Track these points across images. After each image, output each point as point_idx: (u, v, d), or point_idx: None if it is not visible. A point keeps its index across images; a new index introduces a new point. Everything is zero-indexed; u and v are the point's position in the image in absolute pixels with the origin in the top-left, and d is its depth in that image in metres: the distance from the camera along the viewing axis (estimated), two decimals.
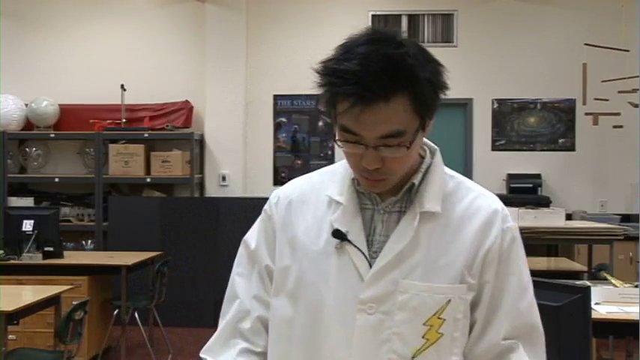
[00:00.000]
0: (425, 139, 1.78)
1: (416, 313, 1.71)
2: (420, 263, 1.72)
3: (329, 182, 1.85)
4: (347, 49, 1.63)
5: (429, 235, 1.73)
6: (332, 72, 1.61)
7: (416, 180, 1.76)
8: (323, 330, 1.75)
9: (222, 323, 1.91)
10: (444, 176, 1.82)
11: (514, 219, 6.14)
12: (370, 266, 1.73)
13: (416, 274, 1.72)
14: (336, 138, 1.70)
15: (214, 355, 1.88)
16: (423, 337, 1.71)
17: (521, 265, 1.81)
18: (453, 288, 1.72)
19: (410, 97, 1.59)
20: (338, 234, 1.74)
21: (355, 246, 1.73)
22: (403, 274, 1.71)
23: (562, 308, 2.78)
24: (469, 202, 1.80)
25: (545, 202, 8.97)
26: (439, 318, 1.71)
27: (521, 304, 1.78)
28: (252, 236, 1.93)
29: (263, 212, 1.93)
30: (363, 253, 1.73)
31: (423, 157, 1.79)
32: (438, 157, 1.82)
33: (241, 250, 1.95)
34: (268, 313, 1.86)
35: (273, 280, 1.85)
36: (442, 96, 1.69)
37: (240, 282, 1.92)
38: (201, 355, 1.90)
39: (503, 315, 1.75)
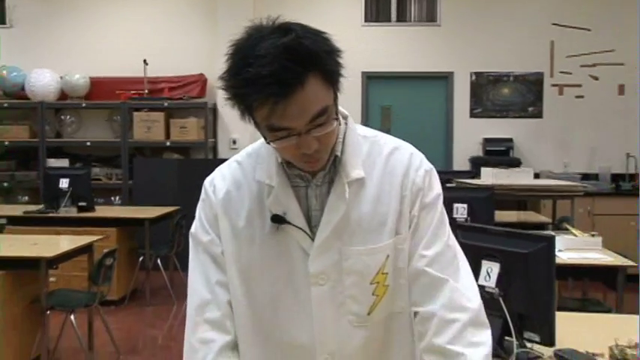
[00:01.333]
0: None
1: (362, 275, 1.65)
2: (357, 229, 1.64)
3: (257, 166, 1.70)
4: (244, 55, 1.46)
5: (358, 202, 1.65)
6: (244, 83, 1.45)
7: (338, 151, 1.64)
8: (281, 305, 1.67)
9: (188, 317, 1.74)
10: (359, 139, 1.70)
11: (489, 177, 6.13)
12: (313, 241, 1.64)
13: (355, 240, 1.64)
14: (267, 140, 1.56)
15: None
16: (373, 294, 1.66)
17: (439, 201, 1.72)
18: (389, 243, 1.65)
19: (319, 73, 1.48)
20: (276, 218, 1.63)
21: (295, 225, 1.63)
22: (344, 243, 1.64)
23: (530, 255, 2.78)
24: (386, 159, 1.69)
25: (516, 163, 8.96)
26: (382, 273, 1.65)
27: (442, 230, 1.70)
28: (199, 227, 1.75)
29: (202, 202, 1.76)
30: (304, 231, 1.64)
31: (339, 125, 1.64)
32: (351, 121, 1.71)
33: (192, 245, 1.76)
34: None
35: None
36: (340, 60, 1.54)
37: (197, 276, 1.73)
38: None
39: (426, 238, 1.67)
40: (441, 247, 1.68)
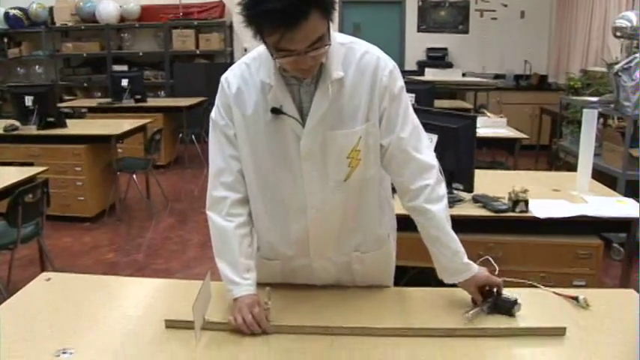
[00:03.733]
0: None
1: (340, 151, 1.58)
2: (337, 118, 1.56)
3: (260, 67, 1.57)
4: None
5: (338, 96, 1.55)
6: (260, 15, 1.34)
7: (323, 59, 1.50)
8: (280, 175, 1.61)
9: (209, 181, 1.70)
10: (338, 47, 1.56)
11: (430, 75, 6.09)
12: (304, 127, 1.56)
13: (336, 125, 1.56)
14: (273, 57, 1.45)
15: (216, 210, 1.66)
16: (348, 166, 1.60)
17: (404, 92, 1.63)
18: (361, 128, 1.57)
19: (320, 9, 1.36)
20: (275, 110, 1.54)
21: (290, 116, 1.54)
22: (327, 128, 1.56)
23: (459, 129, 2.80)
24: (358, 61, 1.57)
25: (449, 65, 8.87)
26: (356, 150, 1.58)
27: (408, 114, 1.63)
28: (217, 113, 1.64)
29: (219, 94, 1.64)
30: (296, 119, 1.55)
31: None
32: (332, 33, 1.51)
33: (212, 126, 1.66)
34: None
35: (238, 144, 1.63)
36: None
37: (216, 150, 1.66)
38: (207, 212, 1.68)
39: (399, 123, 1.60)
40: (411, 128, 1.62)
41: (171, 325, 1.58)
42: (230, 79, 1.62)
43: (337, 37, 1.58)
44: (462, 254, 1.65)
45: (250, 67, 1.61)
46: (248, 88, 1.59)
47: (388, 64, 1.61)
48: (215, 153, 1.67)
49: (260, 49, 1.57)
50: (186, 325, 1.54)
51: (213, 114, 1.66)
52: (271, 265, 1.77)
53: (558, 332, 1.53)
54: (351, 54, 1.58)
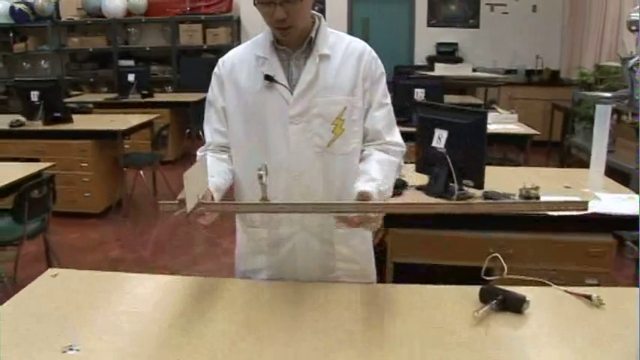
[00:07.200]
0: (312, 11, 1.77)
1: (325, 118, 1.75)
2: (322, 86, 1.75)
3: (257, 46, 1.81)
4: None
5: (325, 69, 1.76)
6: None
7: (312, 34, 1.76)
8: (268, 138, 1.76)
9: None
10: (328, 32, 1.81)
11: (440, 70, 6.07)
12: (292, 94, 1.74)
13: (321, 93, 1.74)
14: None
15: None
16: (332, 132, 1.76)
17: (383, 78, 1.85)
18: (346, 99, 1.76)
19: None
20: (268, 77, 1.74)
21: (280, 83, 1.74)
22: (313, 96, 1.74)
23: (470, 125, 2.79)
24: (346, 46, 1.80)
25: (459, 60, 8.86)
26: (340, 119, 1.76)
27: (385, 99, 1.84)
28: (210, 92, 1.88)
29: (214, 76, 1.87)
30: (285, 87, 1.74)
31: (314, 22, 1.78)
32: (323, 20, 1.80)
33: (206, 106, 1.89)
34: (226, 139, 1.85)
35: (228, 115, 1.83)
36: None
37: (206, 127, 1.89)
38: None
39: (375, 103, 1.81)
40: (385, 110, 1.84)
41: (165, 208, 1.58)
42: (225, 60, 1.87)
43: (328, 28, 1.83)
44: (378, 184, 1.66)
45: (248, 46, 1.85)
46: (243, 63, 1.82)
47: (372, 52, 1.84)
48: (206, 130, 1.90)
49: (255, 38, 1.85)
50: (178, 208, 1.57)
51: (208, 94, 1.89)
52: (256, 234, 1.88)
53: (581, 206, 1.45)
54: (340, 40, 1.82)
